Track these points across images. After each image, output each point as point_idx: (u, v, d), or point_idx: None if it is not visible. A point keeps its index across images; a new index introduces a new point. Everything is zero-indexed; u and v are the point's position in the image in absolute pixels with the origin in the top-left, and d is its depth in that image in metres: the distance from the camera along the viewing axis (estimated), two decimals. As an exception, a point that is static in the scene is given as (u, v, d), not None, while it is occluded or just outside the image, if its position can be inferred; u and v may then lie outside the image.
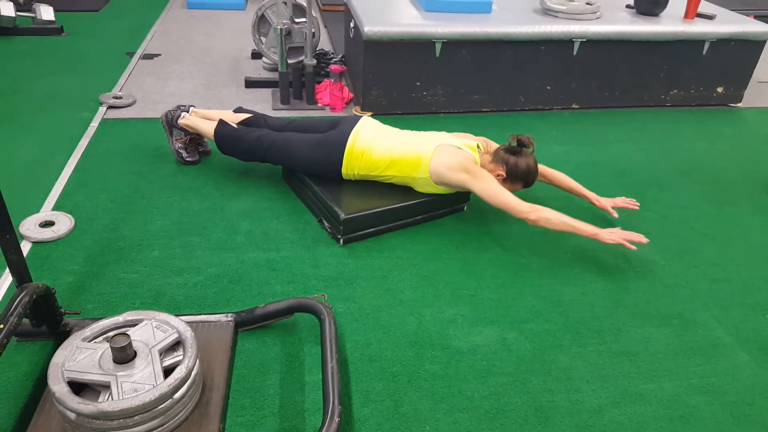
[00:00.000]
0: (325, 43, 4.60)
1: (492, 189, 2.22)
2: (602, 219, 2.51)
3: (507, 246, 2.34)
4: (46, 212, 2.35)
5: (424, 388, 1.70)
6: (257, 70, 4.00)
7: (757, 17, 4.01)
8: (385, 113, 3.44)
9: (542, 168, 2.51)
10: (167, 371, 1.44)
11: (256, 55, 4.19)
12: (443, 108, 3.52)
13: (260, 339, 1.83)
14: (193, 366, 1.46)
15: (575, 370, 1.79)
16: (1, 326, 1.41)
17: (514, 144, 2.38)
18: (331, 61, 3.93)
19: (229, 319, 1.83)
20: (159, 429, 1.41)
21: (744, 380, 1.80)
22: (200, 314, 1.84)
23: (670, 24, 3.60)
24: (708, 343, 1.93)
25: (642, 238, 2.16)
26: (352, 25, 3.55)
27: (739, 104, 3.93)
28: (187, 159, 2.75)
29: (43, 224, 2.25)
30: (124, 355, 1.42)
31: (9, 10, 4.24)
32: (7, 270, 1.59)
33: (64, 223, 2.27)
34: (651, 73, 3.69)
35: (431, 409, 1.64)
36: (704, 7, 3.88)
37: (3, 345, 1.38)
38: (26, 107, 3.26)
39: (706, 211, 2.67)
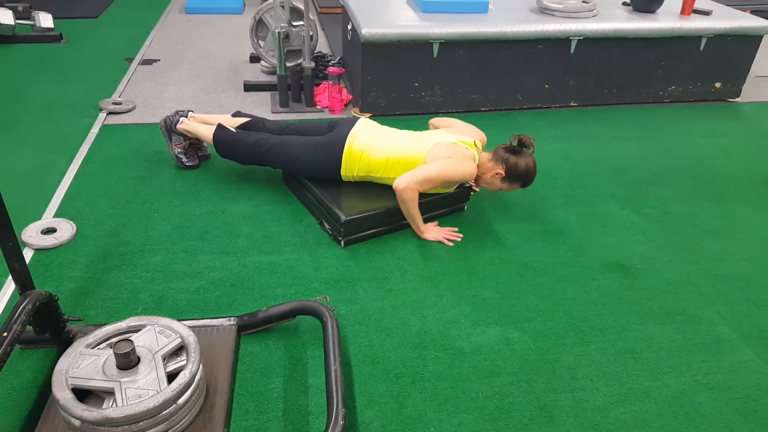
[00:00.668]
0: (323, 46, 4.60)
1: (442, 171, 2.23)
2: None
3: (508, 245, 2.34)
4: (47, 219, 2.35)
5: (428, 390, 1.70)
6: (256, 73, 4.00)
7: (753, 12, 4.02)
8: (384, 114, 3.44)
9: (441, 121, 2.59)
10: (171, 376, 1.44)
11: (255, 59, 4.19)
12: (442, 108, 3.52)
13: (263, 342, 1.83)
14: (197, 371, 1.46)
15: (579, 369, 1.79)
16: (5, 334, 1.41)
17: (515, 144, 2.38)
18: (330, 64, 3.93)
19: (232, 323, 1.83)
20: (164, 434, 1.41)
21: (749, 376, 1.80)
22: (203, 318, 1.84)
23: (666, 20, 3.60)
24: (712, 340, 1.93)
25: (457, 236, 2.34)
26: (349, 27, 3.55)
27: (737, 99, 3.93)
28: (187, 164, 2.75)
29: (45, 231, 2.25)
30: (128, 361, 1.42)
31: (8, 18, 4.25)
32: (10, 278, 1.59)
33: (65, 230, 2.27)
34: (649, 69, 3.69)
35: (435, 411, 1.64)
36: (700, 3, 3.88)
37: (7, 353, 1.38)
38: (27, 115, 3.27)
39: (706, 207, 2.67)
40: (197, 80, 3.88)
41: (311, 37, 3.42)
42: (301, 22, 3.41)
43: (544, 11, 3.62)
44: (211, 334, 1.78)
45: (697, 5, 3.78)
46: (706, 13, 3.74)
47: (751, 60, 3.81)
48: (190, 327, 1.59)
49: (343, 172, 2.37)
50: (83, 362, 1.44)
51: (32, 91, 3.58)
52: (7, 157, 2.82)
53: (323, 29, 5.01)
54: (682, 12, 3.73)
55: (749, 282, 2.21)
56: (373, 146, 2.34)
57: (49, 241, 2.20)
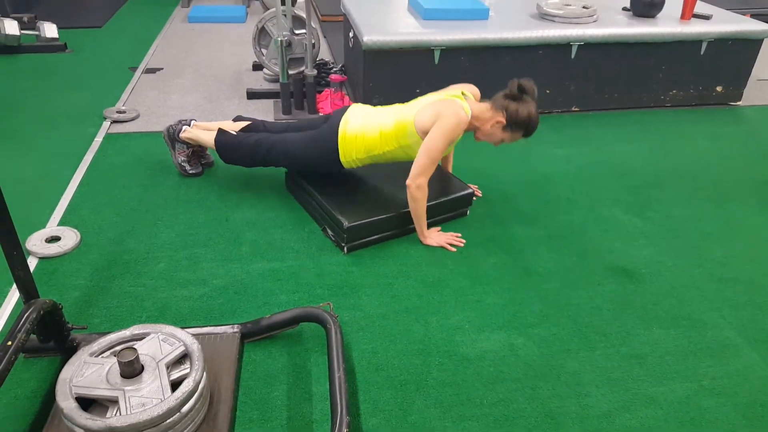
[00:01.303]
0: (325, 53, 4.62)
1: (436, 140, 2.17)
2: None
3: (511, 250, 2.34)
4: (52, 227, 2.36)
5: (433, 396, 1.69)
6: (259, 81, 4.02)
7: (753, 16, 4.02)
8: (387, 121, 3.44)
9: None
10: (175, 384, 1.44)
11: (257, 67, 4.21)
12: (444, 114, 3.52)
13: (267, 350, 1.83)
14: (201, 379, 1.46)
15: (584, 375, 1.78)
16: (9, 343, 1.41)
17: (515, 89, 2.24)
18: (332, 71, 3.95)
19: (235, 330, 1.83)
20: (168, 443, 1.41)
21: (756, 381, 1.79)
22: (206, 326, 1.84)
23: (666, 25, 3.60)
24: (718, 344, 1.92)
25: (460, 241, 2.34)
26: (351, 35, 3.57)
27: (738, 102, 3.93)
28: (191, 171, 2.76)
29: (49, 239, 2.26)
30: (132, 370, 1.42)
31: (13, 29, 4.28)
32: (15, 286, 1.59)
33: (70, 238, 2.28)
34: (650, 74, 3.69)
35: (440, 418, 1.63)
36: (700, 8, 3.89)
37: (11, 362, 1.39)
38: (32, 124, 3.29)
39: (709, 211, 2.67)
40: (200, 88, 3.89)
41: (313, 45, 3.43)
42: (304, 31, 3.43)
43: (545, 17, 3.63)
44: (215, 342, 1.78)
45: (697, 9, 3.78)
46: (706, 18, 3.75)
47: (751, 64, 3.81)
48: (193, 335, 1.59)
49: (342, 159, 2.37)
50: (87, 371, 1.44)
51: (37, 100, 3.60)
52: (12, 166, 2.83)
53: (325, 37, 5.03)
54: (682, 16, 3.74)
55: (754, 285, 2.20)
56: (367, 126, 2.33)
57: (54, 249, 2.21)
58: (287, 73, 3.38)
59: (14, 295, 2.00)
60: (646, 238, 2.44)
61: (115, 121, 3.34)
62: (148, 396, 1.39)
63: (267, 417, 1.61)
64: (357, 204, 2.35)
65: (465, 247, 2.34)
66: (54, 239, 2.27)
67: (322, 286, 2.11)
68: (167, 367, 1.47)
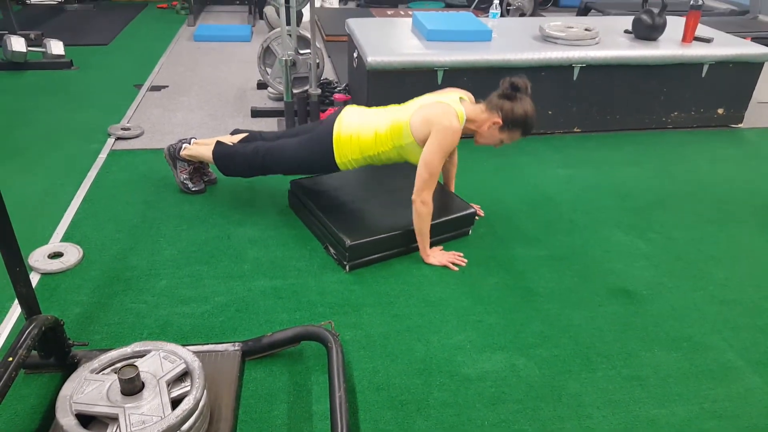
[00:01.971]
0: (329, 73, 4.67)
1: (433, 153, 2.15)
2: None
3: (513, 270, 2.34)
4: (54, 243, 2.36)
5: (433, 417, 1.68)
6: (263, 100, 4.06)
7: (754, 39, 4.06)
8: (389, 140, 3.46)
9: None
10: (175, 402, 1.44)
11: (262, 86, 4.25)
12: (447, 134, 3.54)
13: (267, 368, 1.83)
14: (201, 397, 1.46)
15: (585, 396, 1.78)
16: (10, 359, 1.41)
17: (508, 88, 2.23)
18: (336, 90, 3.98)
19: (236, 348, 1.82)
20: (167, 461, 1.40)
21: (757, 404, 1.78)
22: (207, 344, 1.84)
23: (668, 48, 3.64)
24: (719, 367, 1.91)
25: (462, 261, 2.34)
26: (355, 55, 3.61)
27: (740, 125, 3.95)
28: (193, 189, 2.78)
29: (51, 255, 2.27)
30: (132, 387, 1.42)
31: (20, 46, 4.33)
32: (16, 302, 1.60)
33: (72, 254, 2.29)
34: (651, 96, 3.72)
35: (440, 438, 1.62)
36: (702, 31, 3.93)
37: (12, 377, 1.39)
38: (37, 140, 3.31)
39: (711, 233, 2.67)
40: (205, 106, 3.93)
41: (318, 64, 3.47)
42: (308, 50, 3.47)
43: (547, 39, 3.67)
44: (216, 360, 1.77)
45: (698, 33, 3.82)
46: (708, 41, 3.79)
47: (752, 86, 3.84)
48: (194, 352, 1.59)
49: (338, 160, 2.37)
50: (87, 387, 1.44)
51: (42, 117, 3.63)
52: (16, 181, 2.85)
53: (329, 57, 5.08)
54: (684, 39, 3.78)
55: (756, 308, 2.19)
56: (361, 127, 2.33)
57: (56, 265, 2.22)
58: (291, 92, 3.41)
59: (16, 310, 2.00)
60: (647, 260, 2.44)
61: (119, 138, 3.37)
62: (149, 413, 1.39)
63: (267, 436, 1.60)
64: (359, 222, 2.36)
65: (466, 267, 2.35)
66: (57, 255, 2.28)
67: (324, 304, 2.11)
68: (168, 385, 1.47)
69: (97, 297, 2.09)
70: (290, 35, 3.41)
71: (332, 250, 2.35)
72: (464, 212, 2.50)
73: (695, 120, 3.87)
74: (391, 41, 3.51)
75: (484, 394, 1.77)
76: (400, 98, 3.34)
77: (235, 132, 2.73)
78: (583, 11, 6.49)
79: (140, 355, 1.56)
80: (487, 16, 4.34)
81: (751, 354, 1.97)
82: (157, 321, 1.99)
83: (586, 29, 3.68)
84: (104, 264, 2.27)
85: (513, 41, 3.63)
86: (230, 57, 5.08)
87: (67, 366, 1.74)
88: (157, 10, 6.80)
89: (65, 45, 4.66)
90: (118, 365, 1.52)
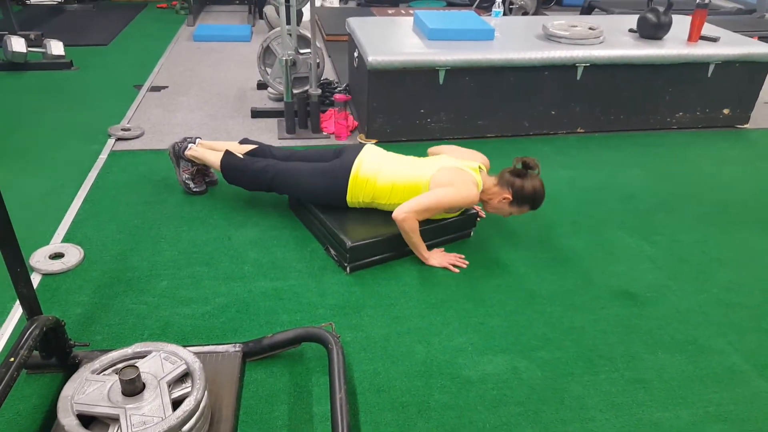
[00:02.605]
0: (329, 73, 4.66)
1: (447, 196, 2.24)
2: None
3: (515, 272, 2.33)
4: (55, 244, 2.36)
5: (434, 419, 1.67)
6: (263, 100, 4.05)
7: (761, 38, 4.04)
8: (390, 140, 3.46)
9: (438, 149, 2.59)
10: (176, 403, 1.43)
11: (262, 86, 4.24)
12: (447, 134, 3.53)
13: (268, 369, 1.82)
14: (202, 398, 1.45)
15: (588, 399, 1.76)
16: (12, 359, 1.41)
17: (519, 166, 2.37)
18: (336, 90, 3.97)
19: (237, 349, 1.82)
20: (167, 463, 1.39)
21: (763, 408, 1.76)
22: (208, 345, 1.83)
23: (673, 47, 3.62)
24: (724, 370, 1.90)
25: (463, 262, 2.33)
26: (356, 54, 3.60)
27: (746, 125, 3.93)
28: (195, 189, 2.77)
29: (53, 256, 2.26)
30: (133, 388, 1.41)
31: (20, 46, 4.33)
32: (18, 302, 1.59)
33: (73, 255, 2.28)
34: (656, 96, 3.70)
35: (442, 441, 1.61)
36: (708, 30, 3.91)
37: (13, 378, 1.38)
38: (37, 140, 3.31)
39: (716, 235, 2.65)
40: (205, 107, 3.92)
41: (318, 64, 3.46)
42: (308, 50, 3.45)
43: (550, 38, 3.65)
44: (216, 361, 1.77)
45: (704, 32, 3.80)
46: (714, 40, 3.77)
47: (759, 86, 3.82)
48: (195, 353, 1.58)
49: (349, 199, 2.38)
50: (89, 388, 1.44)
51: (42, 117, 3.63)
52: (17, 182, 2.84)
53: (330, 56, 5.07)
54: (690, 39, 3.76)
55: (761, 311, 2.18)
56: (380, 173, 2.35)
57: (57, 266, 2.21)
58: (291, 92, 3.40)
59: (17, 311, 2.00)
60: (651, 262, 2.43)
61: (119, 139, 3.36)
62: (149, 414, 1.38)
63: (267, 439, 1.59)
64: (360, 224, 2.35)
65: (468, 269, 2.34)
66: (58, 256, 2.27)
67: (324, 306, 2.10)
68: (168, 386, 1.46)
69: (98, 298, 2.08)
70: (290, 35, 3.40)
71: (333, 252, 2.34)
72: (465, 214, 2.48)
73: (700, 120, 3.86)
74: (392, 40, 3.50)
75: (486, 396, 1.76)
76: (401, 98, 3.35)
77: (244, 141, 2.72)
78: (587, 10, 6.47)
79: (141, 355, 1.55)
80: (490, 15, 4.33)
81: (757, 357, 1.95)
82: (157, 322, 1.99)
83: (590, 28, 3.67)
84: (105, 265, 2.26)
85: (516, 40, 3.61)
86: (230, 57, 5.07)
87: (69, 366, 1.73)
88: (156, 10, 6.80)
89: (65, 45, 4.65)
90: (119, 366, 1.51)
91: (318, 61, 3.43)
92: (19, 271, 1.52)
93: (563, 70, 3.48)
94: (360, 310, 2.09)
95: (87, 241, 2.39)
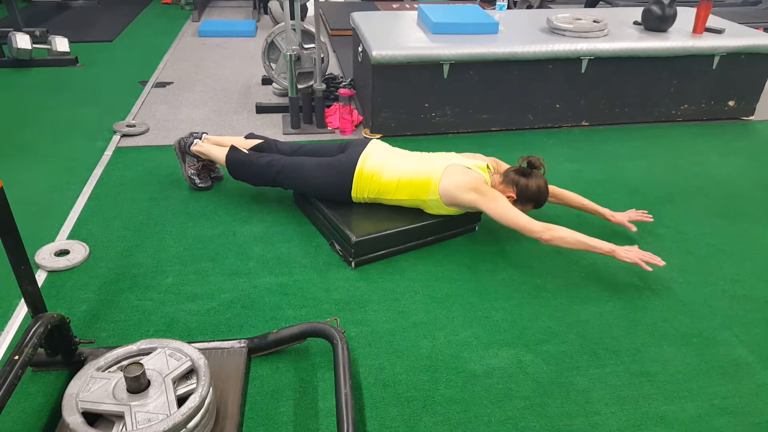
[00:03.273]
0: (334, 68, 4.65)
1: (503, 208, 2.21)
2: (619, 235, 2.48)
3: (520, 266, 2.32)
4: (61, 241, 2.37)
5: (440, 414, 1.67)
6: (268, 95, 4.05)
7: (767, 30, 4.00)
8: (395, 135, 3.45)
9: (553, 189, 2.50)
10: (181, 400, 1.43)
11: (267, 81, 4.24)
12: (452, 128, 3.53)
13: (273, 365, 1.82)
14: (207, 394, 1.45)
15: (594, 393, 1.76)
16: (17, 357, 1.41)
17: (524, 165, 2.37)
18: (341, 85, 3.97)
19: (242, 345, 1.82)
20: (173, 459, 1.40)
21: (768, 400, 1.76)
22: (213, 341, 1.84)
23: (678, 39, 3.59)
24: (730, 363, 1.89)
25: (659, 261, 2.14)
26: (360, 49, 3.59)
27: (751, 117, 3.90)
28: (200, 185, 2.77)
29: (58, 253, 2.27)
30: (138, 385, 1.42)
31: (25, 43, 4.34)
32: (23, 300, 1.60)
33: (78, 252, 2.29)
34: (661, 88, 3.68)
35: (447, 435, 1.61)
36: (713, 22, 3.88)
37: (18, 376, 1.39)
38: (42, 137, 3.32)
39: (721, 227, 2.64)
40: (210, 102, 3.92)
41: (322, 59, 3.45)
42: (313, 45, 3.45)
43: (555, 31, 3.63)
44: (222, 357, 1.77)
45: (709, 23, 3.77)
46: (719, 32, 3.73)
47: (764, 78, 3.79)
48: (200, 349, 1.59)
49: (353, 194, 2.38)
50: (94, 385, 1.44)
51: (48, 114, 3.64)
52: (22, 179, 2.85)
53: (334, 51, 5.06)
54: (694, 30, 3.73)
55: (767, 303, 2.16)
56: (385, 168, 2.35)
57: (62, 263, 2.22)
58: (296, 87, 3.40)
59: (23, 308, 2.01)
60: (657, 254, 2.41)
61: (124, 135, 3.37)
62: (155, 411, 1.39)
63: (273, 433, 1.60)
64: (365, 219, 2.35)
65: (473, 263, 2.33)
66: (63, 253, 2.28)
67: (330, 301, 2.10)
68: (174, 383, 1.47)
69: (104, 294, 2.09)
70: (294, 30, 3.39)
71: (338, 247, 2.34)
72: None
73: (706, 112, 3.83)
74: (396, 35, 3.49)
75: (491, 390, 1.76)
76: (406, 92, 3.34)
77: (249, 136, 2.72)
78: (592, 2, 6.42)
79: (146, 352, 1.56)
80: (494, 9, 4.31)
81: (763, 350, 1.94)
82: (163, 318, 1.99)
83: (594, 21, 3.64)
84: (110, 261, 2.27)
85: (520, 34, 3.59)
86: (235, 52, 5.07)
87: (74, 363, 1.74)
88: (161, 5, 6.80)
89: (70, 42, 4.66)
90: (124, 363, 1.52)
91: (322, 55, 3.43)
92: (24, 268, 1.53)
93: (568, 63, 3.46)
94: (365, 305, 2.09)
95: (92, 238, 2.40)
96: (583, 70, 3.50)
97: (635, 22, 3.92)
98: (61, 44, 4.55)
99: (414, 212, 2.37)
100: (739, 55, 3.64)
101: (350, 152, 2.42)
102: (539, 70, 3.46)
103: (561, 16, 3.74)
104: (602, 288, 2.21)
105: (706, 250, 2.47)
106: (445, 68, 3.31)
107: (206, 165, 2.79)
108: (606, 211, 2.50)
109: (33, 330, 1.51)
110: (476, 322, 2.02)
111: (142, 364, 1.42)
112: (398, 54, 3.22)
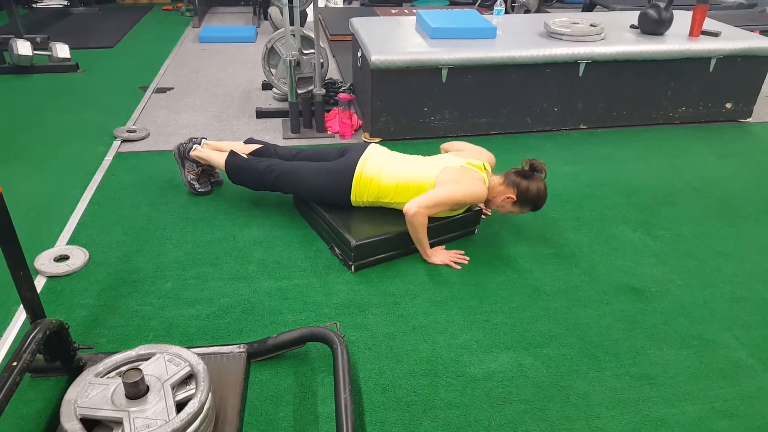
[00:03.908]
0: (333, 73, 4.66)
1: (457, 191, 2.25)
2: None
3: (519, 269, 2.32)
4: (60, 246, 2.37)
5: (440, 418, 1.67)
6: (268, 100, 4.05)
7: (762, 32, 4.01)
8: (394, 139, 3.46)
9: (454, 144, 2.59)
10: (180, 405, 1.43)
11: (267, 86, 4.25)
12: (451, 132, 3.53)
13: (273, 369, 1.82)
14: (206, 400, 1.45)
15: (594, 396, 1.76)
16: (15, 363, 1.41)
17: (527, 168, 2.38)
18: (340, 90, 3.97)
19: (242, 350, 1.82)
20: (172, 464, 1.39)
21: (768, 402, 1.75)
22: (213, 346, 1.83)
23: (675, 42, 3.60)
24: (730, 365, 1.89)
25: (464, 259, 2.33)
26: (359, 54, 3.60)
27: (748, 119, 3.91)
28: (200, 190, 2.78)
29: (57, 258, 2.27)
30: (137, 390, 1.41)
31: (26, 50, 4.35)
32: (22, 306, 1.60)
33: (78, 257, 2.29)
34: (658, 91, 3.68)
35: (447, 439, 1.61)
36: (709, 25, 3.89)
37: (16, 382, 1.38)
38: (43, 142, 3.33)
39: (720, 228, 2.64)
40: (210, 108, 3.93)
41: (322, 64, 3.46)
42: (312, 50, 3.46)
43: (552, 35, 3.64)
44: (221, 362, 1.77)
45: (705, 27, 3.78)
46: (715, 35, 3.74)
47: (761, 80, 3.80)
48: (199, 354, 1.59)
49: (353, 198, 2.38)
50: (92, 391, 1.44)
51: (48, 120, 3.64)
52: (22, 184, 2.86)
53: (334, 56, 5.07)
54: (691, 34, 3.74)
55: (766, 305, 2.16)
56: (384, 172, 2.35)
57: (62, 268, 2.22)
58: (296, 92, 3.40)
59: (22, 314, 2.01)
60: (655, 257, 2.42)
61: (125, 140, 3.38)
62: (153, 417, 1.38)
63: (272, 438, 1.60)
64: (364, 223, 2.35)
65: (473, 266, 2.33)
66: (62, 258, 2.28)
67: (329, 305, 2.10)
68: (172, 388, 1.47)
69: (103, 300, 2.09)
70: (294, 35, 3.40)
71: (337, 251, 2.34)
72: (470, 211, 2.48)
73: (703, 115, 3.83)
74: (395, 40, 3.50)
75: (491, 394, 1.75)
76: (404, 97, 3.35)
77: (249, 141, 2.72)
78: (589, 7, 6.44)
79: (145, 358, 1.55)
80: (492, 14, 4.31)
81: (763, 352, 1.94)
82: (162, 323, 1.99)
83: (591, 25, 3.65)
84: (110, 266, 2.27)
85: (518, 38, 3.60)
86: (235, 58, 5.08)
87: (73, 369, 1.74)
88: (162, 12, 6.83)
89: (71, 48, 4.68)
90: (123, 369, 1.52)
91: (322, 61, 3.43)
92: (22, 274, 1.53)
93: (565, 67, 3.47)
94: (365, 308, 2.09)
95: (92, 243, 2.40)
96: (580, 74, 3.51)
97: (632, 26, 3.94)
98: (62, 51, 4.56)
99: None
100: (735, 58, 3.65)
101: (349, 157, 2.43)
102: (537, 74, 3.46)
103: (558, 20, 3.75)
104: (601, 290, 2.21)
105: (705, 252, 2.47)
106: (444, 73, 3.32)
107: (206, 170, 2.79)
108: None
109: (32, 336, 1.51)
110: (476, 326, 2.02)
111: (140, 370, 1.42)
112: (397, 59, 3.23)
